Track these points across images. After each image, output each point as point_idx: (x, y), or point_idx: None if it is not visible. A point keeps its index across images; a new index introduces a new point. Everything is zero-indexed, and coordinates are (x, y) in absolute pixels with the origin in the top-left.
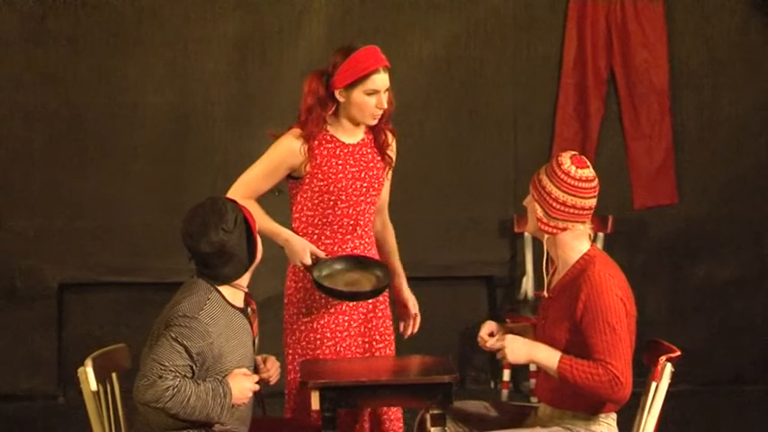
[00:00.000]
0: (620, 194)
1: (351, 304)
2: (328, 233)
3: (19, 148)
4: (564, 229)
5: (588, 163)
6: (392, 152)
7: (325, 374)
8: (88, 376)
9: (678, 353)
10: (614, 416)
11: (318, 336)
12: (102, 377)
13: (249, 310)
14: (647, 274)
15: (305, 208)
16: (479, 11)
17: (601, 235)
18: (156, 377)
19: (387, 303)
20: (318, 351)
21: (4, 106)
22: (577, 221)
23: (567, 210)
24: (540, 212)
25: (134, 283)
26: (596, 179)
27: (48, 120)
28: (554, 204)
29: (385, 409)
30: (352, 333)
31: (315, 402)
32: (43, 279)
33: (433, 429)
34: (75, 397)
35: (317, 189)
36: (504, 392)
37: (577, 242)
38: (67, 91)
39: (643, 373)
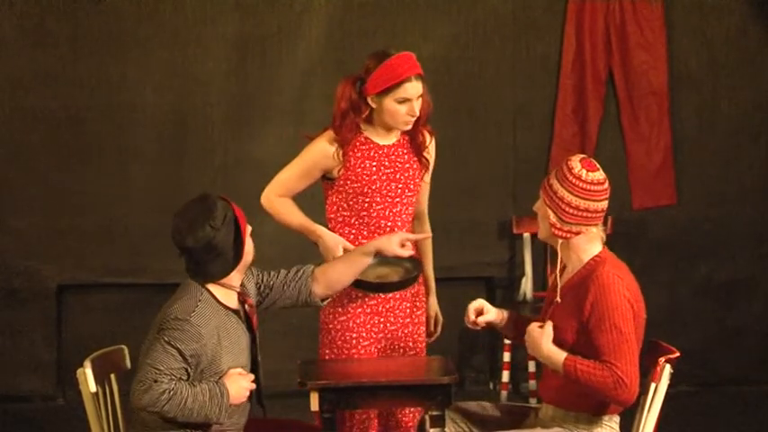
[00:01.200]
0: (619, 195)
1: (388, 306)
2: (365, 233)
3: (18, 149)
4: (578, 233)
5: (598, 166)
6: (429, 154)
7: (324, 375)
8: (87, 377)
9: (677, 354)
10: (617, 419)
11: (355, 335)
12: (101, 378)
13: (246, 306)
14: (646, 275)
15: (340, 209)
16: (478, 11)
17: None
18: (152, 381)
19: (424, 309)
20: (354, 351)
21: (4, 107)
22: (590, 225)
23: (580, 214)
24: (553, 218)
25: (133, 284)
26: (607, 181)
27: (47, 120)
28: (567, 209)
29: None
30: (389, 336)
31: (314, 403)
32: (42, 280)
33: (432, 430)
34: (74, 398)
35: (351, 191)
36: (504, 393)
37: (590, 245)
38: (67, 91)
39: (643, 374)
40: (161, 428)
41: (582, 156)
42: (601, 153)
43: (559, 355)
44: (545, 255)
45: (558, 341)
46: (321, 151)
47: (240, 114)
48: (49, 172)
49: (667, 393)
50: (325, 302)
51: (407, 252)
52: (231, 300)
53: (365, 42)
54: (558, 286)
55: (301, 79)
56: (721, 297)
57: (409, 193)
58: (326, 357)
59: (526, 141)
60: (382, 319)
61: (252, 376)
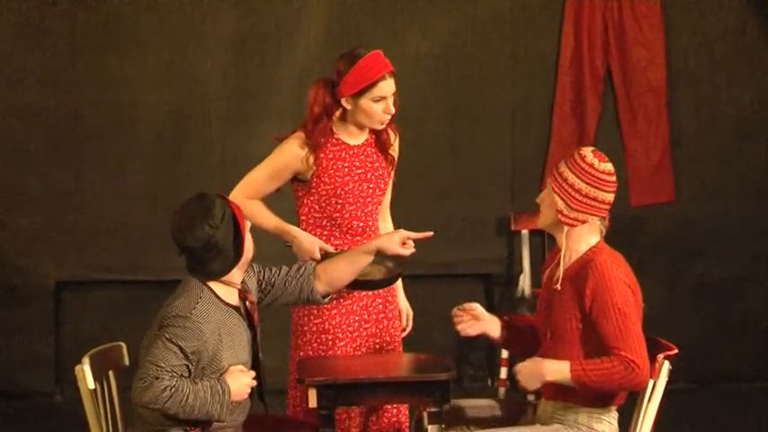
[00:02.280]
0: (618, 192)
1: (362, 304)
2: (337, 234)
3: (17, 147)
4: (583, 222)
5: (607, 158)
6: (394, 151)
7: (322, 372)
8: (85, 374)
9: (676, 351)
10: (616, 414)
11: (330, 336)
12: (99, 375)
13: (247, 303)
14: (644, 272)
15: (312, 210)
16: (477, 9)
17: None
18: (153, 378)
19: (396, 304)
20: (330, 351)
21: (3, 105)
22: (596, 215)
23: (588, 202)
24: (561, 205)
25: (131, 282)
26: (615, 174)
27: (46, 118)
28: (576, 196)
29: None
30: (364, 334)
31: (312, 400)
32: (40, 277)
33: (430, 427)
34: (72, 395)
35: (323, 193)
36: (502, 390)
37: (590, 236)
38: (66, 89)
39: None
40: (161, 425)
41: (592, 147)
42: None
43: (564, 367)
44: (543, 251)
45: (560, 331)
46: (292, 153)
47: (239, 112)
48: (48, 169)
49: (666, 390)
50: (326, 300)
51: (409, 251)
52: (232, 297)
53: (364, 40)
54: (554, 275)
55: (300, 77)
56: (719, 294)
57: (379, 193)
58: (301, 359)
59: (524, 139)
60: (357, 318)
61: (253, 373)
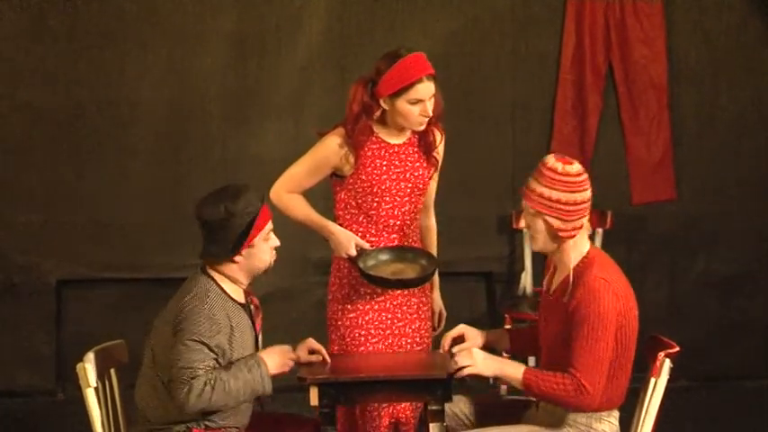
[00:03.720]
0: (619, 190)
1: (396, 302)
2: (373, 231)
3: (17, 144)
4: (580, 228)
5: (571, 159)
6: (438, 153)
7: (323, 370)
8: (87, 372)
9: (677, 349)
10: (617, 413)
11: (363, 332)
12: (100, 373)
13: (252, 307)
14: (645, 270)
15: (349, 206)
16: (477, 7)
17: (599, 230)
18: (190, 380)
19: (429, 305)
20: (362, 348)
21: (3, 103)
22: (585, 216)
23: (577, 208)
24: (556, 223)
25: (132, 280)
26: (584, 171)
27: (46, 116)
28: (565, 208)
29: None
30: (396, 332)
31: (313, 398)
32: (41, 275)
33: (432, 425)
34: (73, 393)
35: (360, 189)
36: (504, 387)
37: (581, 240)
38: (66, 87)
39: (641, 369)
40: (163, 424)
41: (552, 154)
42: (600, 148)
43: (519, 369)
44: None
45: (552, 341)
46: (332, 149)
47: (239, 110)
48: (49, 167)
49: (667, 388)
50: None
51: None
52: (239, 295)
53: (364, 38)
54: (551, 285)
55: (300, 75)
56: (721, 292)
57: (418, 192)
58: (336, 353)
59: (526, 136)
60: (389, 316)
61: (289, 347)
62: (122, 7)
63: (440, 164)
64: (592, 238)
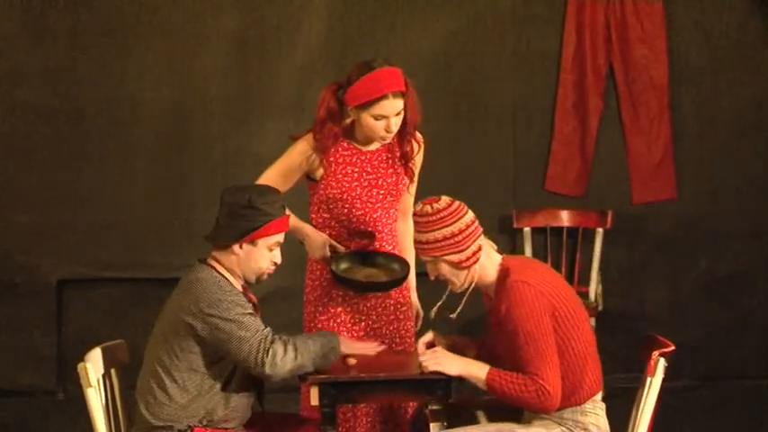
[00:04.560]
0: (620, 190)
1: (369, 304)
2: (345, 235)
3: (18, 144)
4: (480, 249)
5: (434, 197)
6: (416, 163)
7: (324, 370)
8: (88, 372)
9: (672, 347)
10: (602, 405)
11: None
12: (101, 373)
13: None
14: (646, 270)
15: (321, 210)
16: (478, 6)
17: (600, 230)
18: (269, 345)
19: (409, 305)
20: None
21: (4, 102)
22: (478, 237)
23: (465, 233)
24: (454, 258)
25: (133, 279)
26: (454, 201)
27: (47, 115)
28: (454, 240)
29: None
30: (371, 334)
31: (314, 398)
32: (42, 275)
33: (432, 425)
34: (74, 393)
35: (331, 195)
36: None
37: (489, 259)
38: (66, 87)
39: (636, 369)
40: (163, 422)
41: (419, 201)
42: (601, 148)
43: (483, 370)
44: (545, 249)
45: (496, 359)
46: (301, 154)
47: (240, 109)
48: (50, 167)
49: (668, 388)
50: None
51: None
52: (238, 286)
53: (365, 37)
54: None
55: (301, 74)
56: (721, 292)
57: (391, 198)
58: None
59: (526, 136)
60: (364, 317)
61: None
62: (123, 7)
63: (416, 174)
64: (592, 237)
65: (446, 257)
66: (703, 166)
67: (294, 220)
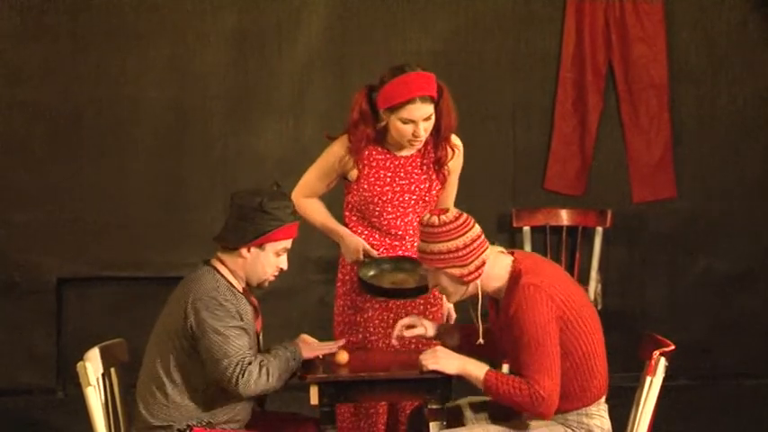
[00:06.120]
0: (619, 189)
1: (398, 302)
2: (377, 236)
3: (18, 143)
4: (484, 263)
5: (442, 209)
6: (449, 168)
7: (324, 369)
8: (87, 371)
9: (672, 347)
10: (605, 407)
11: (361, 329)
12: (101, 372)
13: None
14: (645, 269)
15: (354, 210)
16: (478, 5)
17: (600, 229)
18: (247, 366)
19: (439, 306)
20: (364, 343)
21: (4, 100)
22: (484, 251)
23: (470, 248)
24: (456, 272)
25: (133, 278)
26: (462, 214)
27: (47, 114)
28: (459, 254)
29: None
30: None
31: (314, 397)
32: (42, 274)
33: (432, 424)
34: (73, 391)
35: (363, 197)
36: None
37: (497, 266)
38: (67, 85)
39: (635, 368)
40: (163, 422)
41: (427, 212)
42: (601, 147)
43: (481, 370)
44: (545, 248)
45: (501, 351)
46: (335, 154)
47: (240, 108)
48: (50, 165)
49: (667, 387)
50: None
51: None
52: (240, 288)
53: (364, 36)
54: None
55: (301, 73)
56: (721, 290)
57: (423, 204)
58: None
59: (526, 135)
60: (392, 315)
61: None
62: (123, 6)
63: (449, 178)
64: (592, 236)
65: (448, 270)
66: (703, 164)
67: (331, 223)
